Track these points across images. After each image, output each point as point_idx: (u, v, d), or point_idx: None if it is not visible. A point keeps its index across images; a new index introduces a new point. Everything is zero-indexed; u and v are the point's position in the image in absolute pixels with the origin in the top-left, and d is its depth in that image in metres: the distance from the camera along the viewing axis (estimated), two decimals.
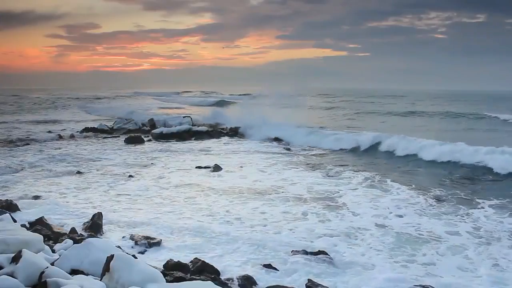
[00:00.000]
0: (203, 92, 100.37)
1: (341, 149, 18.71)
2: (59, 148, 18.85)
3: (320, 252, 6.97)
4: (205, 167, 14.47)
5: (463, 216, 9.37)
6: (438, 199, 10.67)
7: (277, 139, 21.58)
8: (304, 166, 15.02)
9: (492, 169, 13.46)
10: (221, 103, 53.78)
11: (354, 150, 18.39)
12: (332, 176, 13.40)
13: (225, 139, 22.70)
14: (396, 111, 39.03)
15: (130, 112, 32.35)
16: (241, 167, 14.77)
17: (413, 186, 12.07)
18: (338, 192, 11.36)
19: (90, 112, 41.67)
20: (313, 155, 17.75)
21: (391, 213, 9.61)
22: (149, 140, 22.03)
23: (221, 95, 78.29)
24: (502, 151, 14.13)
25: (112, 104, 50.38)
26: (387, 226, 8.72)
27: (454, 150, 15.16)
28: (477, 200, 10.65)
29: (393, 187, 11.95)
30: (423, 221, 9.02)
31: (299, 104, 35.84)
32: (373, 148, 18.13)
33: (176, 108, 46.16)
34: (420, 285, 5.97)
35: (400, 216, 9.35)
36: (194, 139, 22.34)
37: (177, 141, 21.83)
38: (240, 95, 71.56)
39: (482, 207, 10.06)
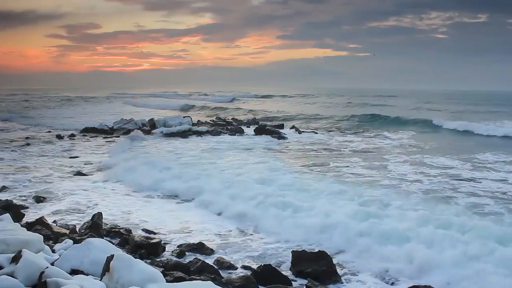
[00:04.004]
0: (196, 92, 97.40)
1: None
2: (58, 148, 18.86)
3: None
4: None
5: None
6: None
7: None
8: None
9: None
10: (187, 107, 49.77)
11: None
12: None
13: (225, 138, 22.75)
14: (347, 113, 36.30)
15: (48, 126, 27.43)
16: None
17: None
18: None
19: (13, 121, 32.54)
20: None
21: None
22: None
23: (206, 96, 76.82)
24: None
25: (56, 112, 41.42)
26: None
27: None
28: None
29: None
30: None
31: None
32: None
33: (130, 112, 39.84)
34: (420, 285, 5.97)
35: None
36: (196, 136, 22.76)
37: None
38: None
39: None
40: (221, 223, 9.04)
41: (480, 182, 12.37)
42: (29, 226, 7.43)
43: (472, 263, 6.42)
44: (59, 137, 22.38)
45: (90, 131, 25.07)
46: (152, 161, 14.42)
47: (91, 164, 15.26)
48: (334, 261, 6.83)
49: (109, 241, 6.58)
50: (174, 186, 11.47)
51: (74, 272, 4.90)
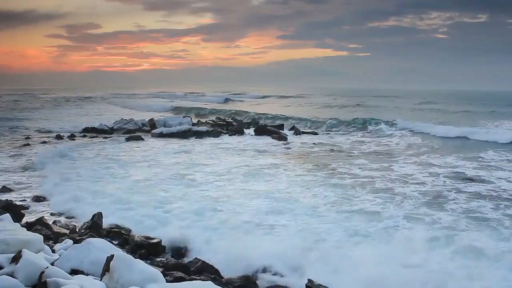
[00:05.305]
0: (193, 92, 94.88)
1: None
2: (58, 149, 18.82)
3: None
4: None
5: None
6: None
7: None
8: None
9: None
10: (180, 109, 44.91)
11: None
12: None
13: (226, 138, 22.73)
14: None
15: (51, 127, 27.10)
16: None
17: None
18: None
19: None
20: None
21: None
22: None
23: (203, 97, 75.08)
24: None
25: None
26: None
27: None
28: None
29: None
30: None
31: None
32: None
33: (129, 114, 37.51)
34: None
35: None
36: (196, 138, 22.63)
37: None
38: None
39: None
40: None
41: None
42: (29, 226, 7.44)
43: None
44: (59, 137, 22.34)
45: (90, 131, 25.03)
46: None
47: None
48: None
49: (109, 241, 6.58)
50: None
51: (74, 272, 4.90)
